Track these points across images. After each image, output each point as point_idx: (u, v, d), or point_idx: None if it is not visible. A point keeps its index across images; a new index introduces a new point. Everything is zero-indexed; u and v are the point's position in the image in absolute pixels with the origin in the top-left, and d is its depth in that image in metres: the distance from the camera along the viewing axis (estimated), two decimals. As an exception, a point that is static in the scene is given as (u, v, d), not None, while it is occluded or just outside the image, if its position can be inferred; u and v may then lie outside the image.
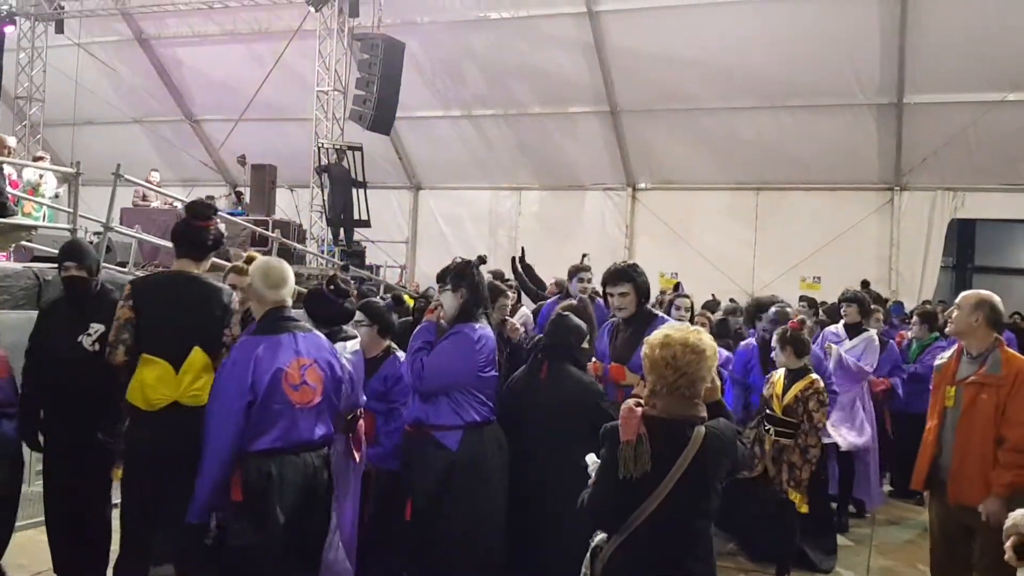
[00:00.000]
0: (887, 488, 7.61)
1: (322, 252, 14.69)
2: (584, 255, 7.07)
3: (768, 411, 5.17)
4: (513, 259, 8.60)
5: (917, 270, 14.75)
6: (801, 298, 9.41)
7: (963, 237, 17.89)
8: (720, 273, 14.80)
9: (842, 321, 6.85)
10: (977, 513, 3.78)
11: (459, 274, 4.15)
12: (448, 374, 4.02)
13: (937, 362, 4.21)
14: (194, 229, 3.94)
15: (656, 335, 2.74)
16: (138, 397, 3.74)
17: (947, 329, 4.26)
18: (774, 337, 5.28)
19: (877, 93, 13.91)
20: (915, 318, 8.00)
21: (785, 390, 5.12)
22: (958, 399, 3.95)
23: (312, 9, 14.86)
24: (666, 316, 5.03)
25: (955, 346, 4.15)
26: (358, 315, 4.60)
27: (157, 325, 3.78)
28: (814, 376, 5.11)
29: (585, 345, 4.47)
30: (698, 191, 16.11)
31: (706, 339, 2.71)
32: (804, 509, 5.01)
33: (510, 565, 4.23)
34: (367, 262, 15.40)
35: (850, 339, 6.55)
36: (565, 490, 3.39)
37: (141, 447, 3.74)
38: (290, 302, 3.56)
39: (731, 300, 9.96)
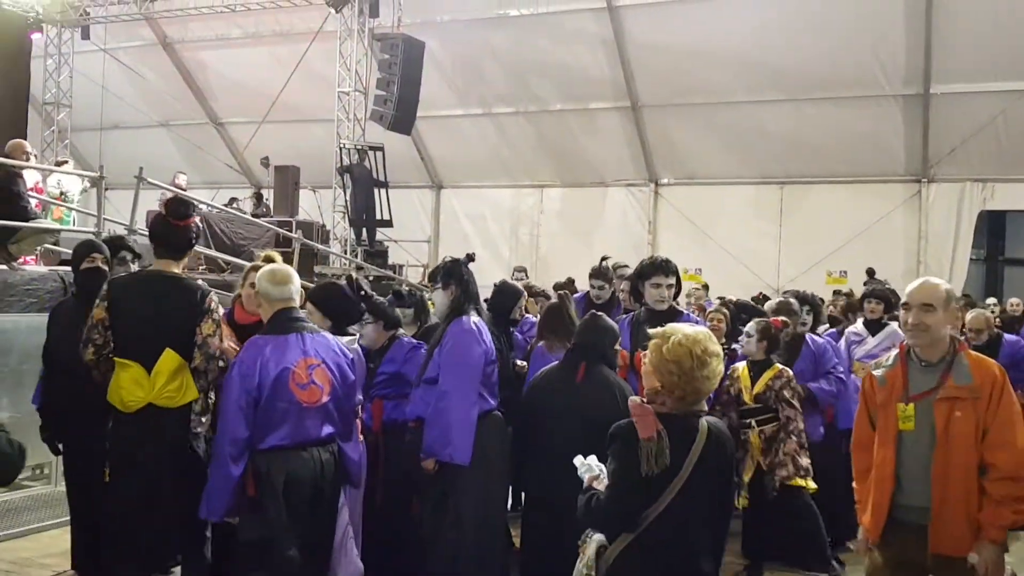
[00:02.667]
0: None
1: (345, 252, 14.76)
2: (604, 257, 6.94)
3: (740, 406, 5.16)
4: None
5: (946, 263, 14.51)
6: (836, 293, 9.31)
7: (993, 229, 17.58)
8: (745, 269, 14.67)
9: (861, 318, 6.68)
10: (962, 566, 2.96)
11: (448, 272, 4.33)
12: (466, 367, 4.09)
13: (877, 372, 3.27)
14: (172, 228, 3.92)
15: (670, 338, 2.72)
16: (115, 398, 3.76)
17: (908, 336, 3.19)
18: (750, 325, 5.27)
19: (903, 84, 13.72)
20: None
21: (753, 381, 5.17)
22: (922, 420, 3.08)
23: (333, 10, 14.95)
24: (690, 314, 5.02)
25: (893, 351, 3.32)
26: (366, 314, 4.71)
27: (131, 326, 3.77)
28: (780, 366, 5.18)
29: (617, 347, 4.44)
30: (722, 186, 15.98)
31: (713, 347, 2.71)
32: (813, 487, 5.00)
33: (527, 562, 4.23)
34: (389, 261, 15.44)
35: (872, 336, 6.38)
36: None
37: (122, 447, 3.75)
38: (297, 302, 3.65)
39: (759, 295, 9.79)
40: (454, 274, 4.31)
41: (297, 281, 3.65)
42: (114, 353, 3.77)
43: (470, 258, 4.58)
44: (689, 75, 14.51)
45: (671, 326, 2.80)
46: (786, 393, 5.06)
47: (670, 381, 2.66)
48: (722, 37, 13.80)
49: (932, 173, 14.57)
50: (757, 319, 5.36)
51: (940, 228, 14.60)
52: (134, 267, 4.83)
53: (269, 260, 4.88)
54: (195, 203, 4.34)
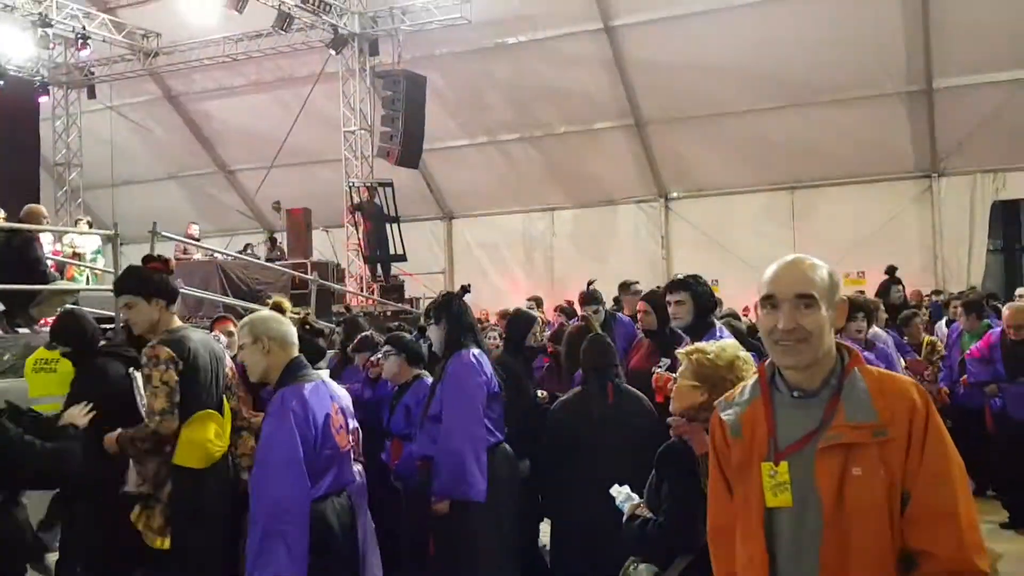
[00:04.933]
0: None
1: (361, 290, 14.82)
2: (590, 282, 7.07)
3: None
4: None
5: (963, 256, 14.43)
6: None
7: (1007, 218, 17.44)
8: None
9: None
10: None
11: (439, 307, 4.33)
12: (468, 400, 4.03)
13: (727, 414, 2.03)
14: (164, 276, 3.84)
15: (709, 351, 2.71)
16: (193, 457, 3.62)
17: (776, 352, 1.95)
18: None
19: (905, 81, 13.71)
20: (960, 309, 7.64)
21: None
22: (804, 487, 1.87)
23: (333, 52, 15.11)
24: (723, 328, 4.96)
25: (751, 379, 2.08)
26: (385, 346, 4.76)
27: (203, 380, 3.71)
28: None
29: (658, 369, 4.46)
30: (731, 195, 15.97)
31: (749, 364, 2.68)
32: None
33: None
34: (406, 295, 15.48)
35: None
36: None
37: (212, 507, 3.61)
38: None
39: None
40: (444, 309, 4.29)
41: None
42: (192, 409, 3.66)
43: (465, 290, 4.63)
44: (690, 88, 14.56)
45: (698, 344, 2.79)
46: None
47: (723, 389, 2.62)
48: (720, 49, 13.85)
49: (942, 167, 14.52)
50: None
51: (954, 221, 14.53)
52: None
53: (278, 307, 4.89)
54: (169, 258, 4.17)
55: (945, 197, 14.59)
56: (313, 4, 13.89)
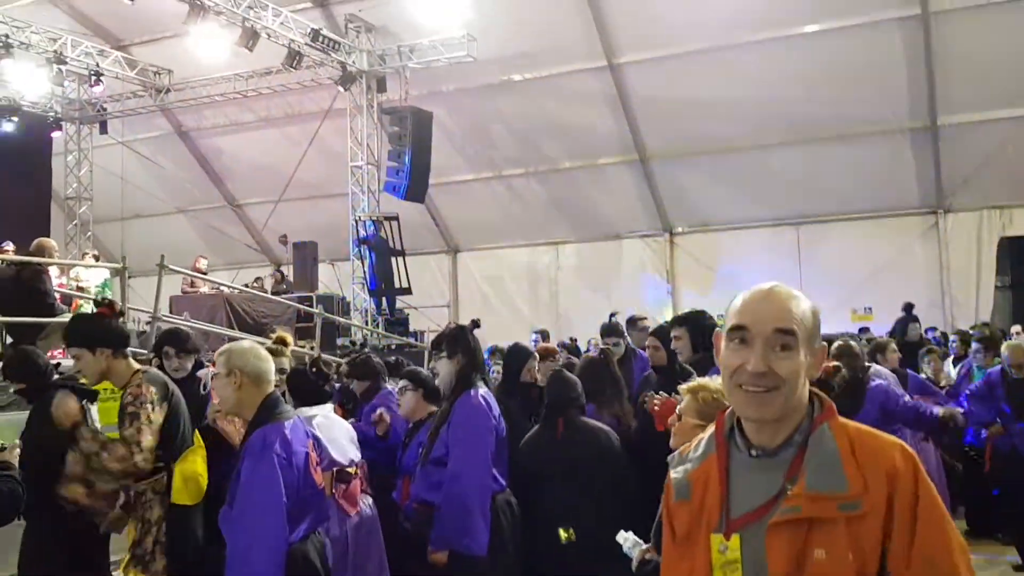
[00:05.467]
0: (962, 527, 7.23)
1: (366, 323, 14.84)
2: (612, 314, 7.03)
3: None
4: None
5: (971, 292, 14.38)
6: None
7: (1015, 255, 17.38)
8: (767, 312, 14.53)
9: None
10: None
11: (455, 340, 4.02)
12: (478, 446, 3.83)
13: (675, 472, 1.74)
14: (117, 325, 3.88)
15: (710, 386, 2.66)
16: (185, 494, 3.64)
17: (738, 402, 1.63)
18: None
19: (909, 117, 13.78)
20: (975, 344, 7.58)
21: None
22: (754, 567, 1.55)
23: (341, 89, 15.30)
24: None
25: (709, 430, 1.74)
26: (403, 381, 4.63)
27: (185, 418, 3.79)
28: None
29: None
30: (737, 230, 16.00)
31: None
32: None
33: None
34: (411, 328, 15.49)
35: None
36: (596, 542, 3.32)
37: (197, 545, 3.61)
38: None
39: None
40: (461, 342, 3.99)
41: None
42: (181, 447, 3.72)
43: (475, 324, 4.36)
44: (694, 124, 14.65)
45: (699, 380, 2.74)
46: None
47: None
48: (723, 86, 13.97)
49: (948, 204, 14.53)
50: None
51: (961, 258, 14.50)
52: (178, 361, 4.68)
53: (281, 341, 4.86)
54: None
55: (952, 233, 14.57)
56: (323, 42, 14.09)
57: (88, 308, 11.11)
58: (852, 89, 13.51)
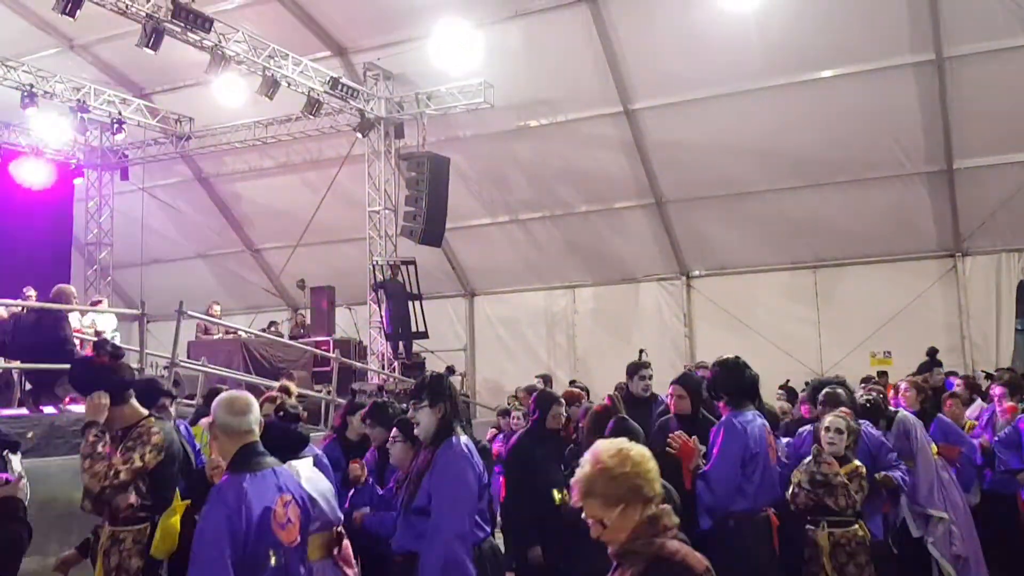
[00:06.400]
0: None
1: (383, 368, 14.84)
2: (641, 351, 6.95)
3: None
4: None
5: (991, 336, 14.24)
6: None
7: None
8: (786, 356, 14.47)
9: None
10: None
11: (436, 389, 3.97)
12: (462, 497, 3.79)
13: None
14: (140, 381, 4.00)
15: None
16: (165, 548, 3.67)
17: None
18: (832, 420, 5.06)
19: (925, 161, 13.79)
20: (998, 389, 7.50)
21: None
22: None
23: (360, 135, 15.49)
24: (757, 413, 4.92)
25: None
26: (393, 431, 4.55)
27: (175, 471, 3.83)
28: (857, 463, 4.94)
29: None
30: (754, 274, 15.95)
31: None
32: None
33: None
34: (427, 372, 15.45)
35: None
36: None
37: None
38: (258, 434, 3.35)
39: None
40: (442, 391, 3.97)
41: (257, 410, 3.34)
42: (167, 497, 3.77)
43: (451, 371, 4.49)
44: (710, 168, 14.71)
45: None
46: (852, 487, 4.79)
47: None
48: (738, 130, 14.05)
49: (966, 247, 14.46)
50: (835, 414, 5.16)
51: (980, 301, 14.39)
52: (172, 411, 4.78)
53: (285, 391, 4.86)
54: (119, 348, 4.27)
55: (970, 277, 14.49)
56: (341, 90, 14.31)
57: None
58: (867, 133, 13.57)
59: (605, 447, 2.40)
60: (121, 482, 3.64)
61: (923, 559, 5.74)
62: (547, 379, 10.64)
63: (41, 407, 8.06)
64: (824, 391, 5.79)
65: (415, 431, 4.01)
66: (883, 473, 5.39)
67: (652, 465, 2.37)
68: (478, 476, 3.87)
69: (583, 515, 2.37)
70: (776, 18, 12.89)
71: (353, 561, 4.11)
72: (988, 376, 9.02)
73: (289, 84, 13.83)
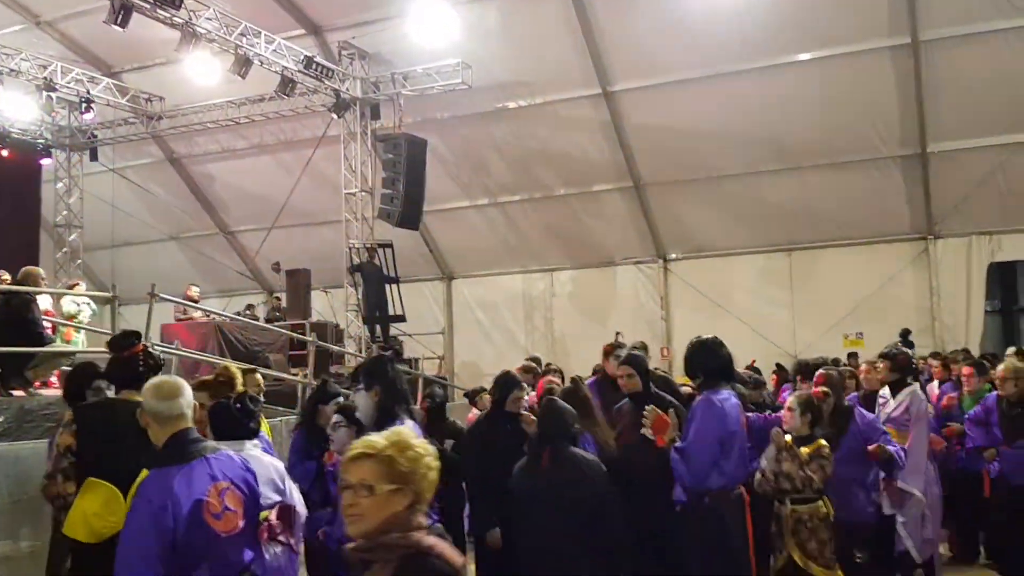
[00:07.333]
0: (945, 552, 7.20)
1: (360, 351, 14.74)
2: (618, 333, 7.01)
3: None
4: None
5: (961, 317, 14.45)
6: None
7: (1004, 280, 17.50)
8: (761, 337, 14.57)
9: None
10: None
11: (370, 372, 3.90)
12: None
13: None
14: (122, 360, 3.86)
15: None
16: (80, 529, 3.49)
17: None
18: (791, 399, 5.13)
19: (899, 145, 13.90)
20: (967, 370, 7.67)
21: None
22: None
23: (335, 116, 15.31)
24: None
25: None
26: (336, 416, 4.45)
27: (101, 450, 3.62)
28: (822, 441, 4.99)
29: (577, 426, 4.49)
30: (730, 257, 16.04)
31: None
32: None
33: None
34: (405, 356, 15.39)
35: (894, 396, 6.29)
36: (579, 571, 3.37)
37: None
38: (191, 419, 3.20)
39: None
40: (376, 373, 3.88)
41: (189, 394, 3.19)
42: (86, 475, 3.57)
43: (397, 353, 4.39)
44: (688, 152, 14.73)
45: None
46: (811, 467, 4.84)
47: None
48: (716, 114, 14.06)
49: (938, 230, 14.62)
50: (798, 392, 5.24)
51: (951, 283, 14.59)
52: (110, 394, 4.38)
53: (228, 380, 4.71)
54: (139, 333, 4.17)
55: (942, 259, 14.66)
56: (316, 70, 14.10)
57: (79, 337, 11.02)
58: (843, 116, 13.64)
59: (412, 437, 2.29)
60: (47, 475, 3.72)
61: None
62: (537, 361, 10.56)
63: (11, 391, 7.91)
64: (819, 372, 5.87)
65: (356, 415, 3.93)
66: (876, 444, 5.44)
67: (435, 476, 2.24)
68: None
69: (345, 477, 2.20)
70: (755, 1, 12.90)
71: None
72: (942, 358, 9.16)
73: (262, 63, 13.61)
